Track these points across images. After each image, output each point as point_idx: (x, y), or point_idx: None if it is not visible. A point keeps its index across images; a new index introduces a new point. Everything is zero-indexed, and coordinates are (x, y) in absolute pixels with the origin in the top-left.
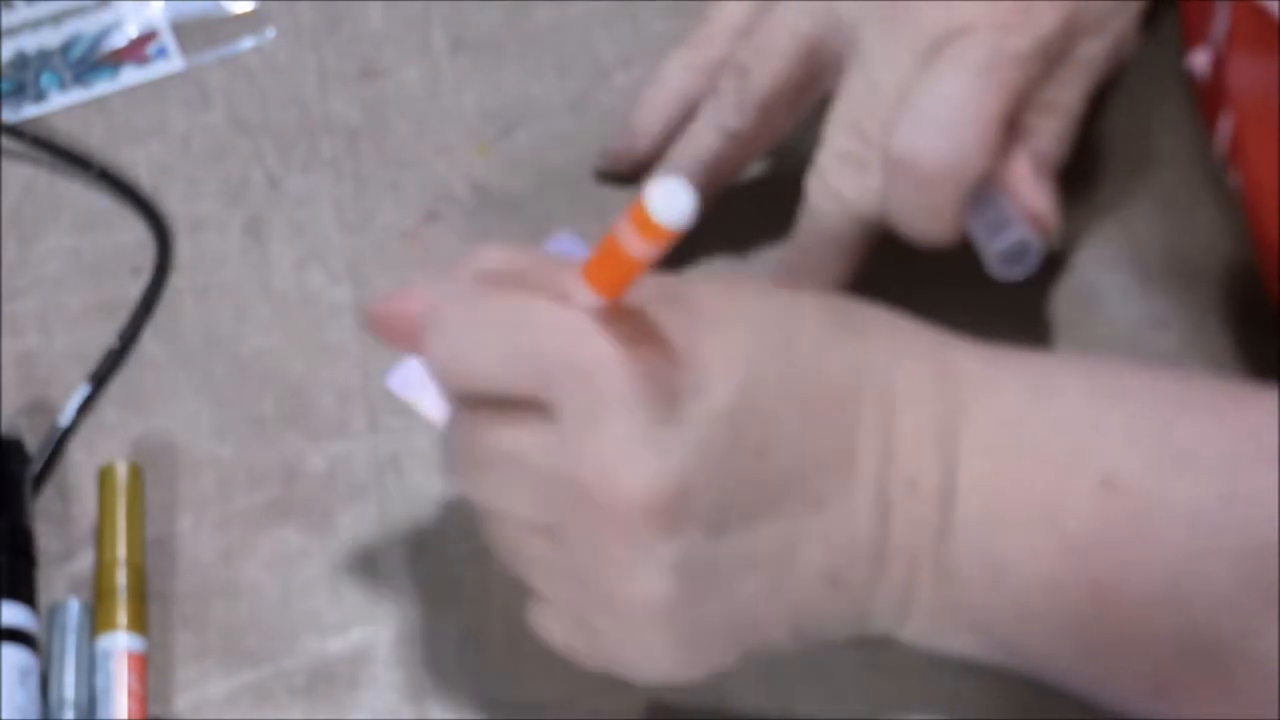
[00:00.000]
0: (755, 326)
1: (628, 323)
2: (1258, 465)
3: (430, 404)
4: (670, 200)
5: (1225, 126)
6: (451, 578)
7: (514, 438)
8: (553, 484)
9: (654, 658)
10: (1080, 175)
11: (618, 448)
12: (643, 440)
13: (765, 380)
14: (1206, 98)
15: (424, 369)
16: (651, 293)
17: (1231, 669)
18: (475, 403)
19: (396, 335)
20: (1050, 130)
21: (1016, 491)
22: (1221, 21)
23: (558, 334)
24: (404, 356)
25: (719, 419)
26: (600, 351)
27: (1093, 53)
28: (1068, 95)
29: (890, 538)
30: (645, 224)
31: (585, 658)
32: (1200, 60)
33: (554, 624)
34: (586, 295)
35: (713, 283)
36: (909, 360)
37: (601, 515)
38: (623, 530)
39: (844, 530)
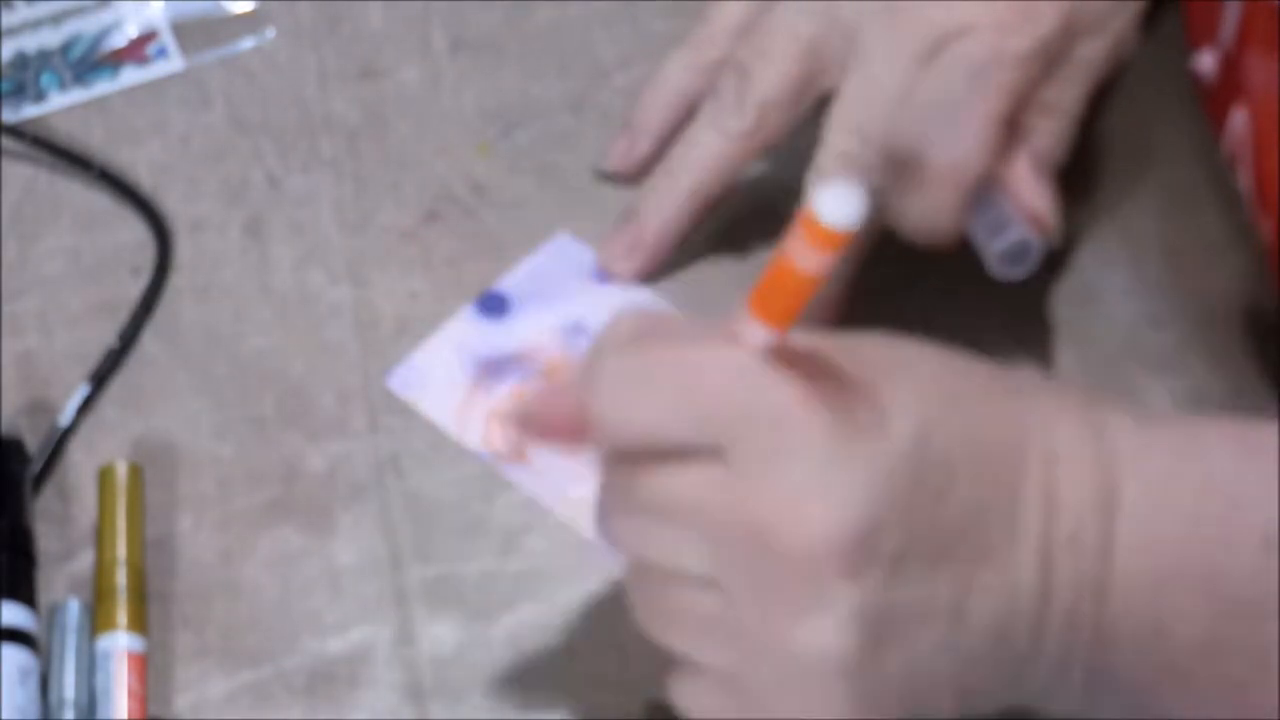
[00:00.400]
0: (924, 374)
1: (801, 361)
2: None
3: (430, 404)
4: (840, 202)
5: (1234, 126)
6: (452, 577)
7: (684, 482)
8: (725, 528)
9: (820, 717)
10: (1080, 175)
11: (802, 485)
12: (828, 477)
13: (941, 424)
14: (1213, 98)
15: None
16: (816, 343)
17: None
18: (635, 454)
19: (552, 430)
20: (1050, 130)
21: (1174, 551)
22: (1230, 21)
23: (730, 379)
24: (404, 356)
25: (903, 457)
26: (779, 394)
27: (1092, 53)
28: (1067, 96)
29: (1052, 594)
30: (816, 231)
31: None
32: (1206, 61)
33: (702, 693)
34: (755, 330)
35: (875, 336)
36: (1067, 419)
37: (779, 558)
38: (804, 572)
39: (1009, 583)
